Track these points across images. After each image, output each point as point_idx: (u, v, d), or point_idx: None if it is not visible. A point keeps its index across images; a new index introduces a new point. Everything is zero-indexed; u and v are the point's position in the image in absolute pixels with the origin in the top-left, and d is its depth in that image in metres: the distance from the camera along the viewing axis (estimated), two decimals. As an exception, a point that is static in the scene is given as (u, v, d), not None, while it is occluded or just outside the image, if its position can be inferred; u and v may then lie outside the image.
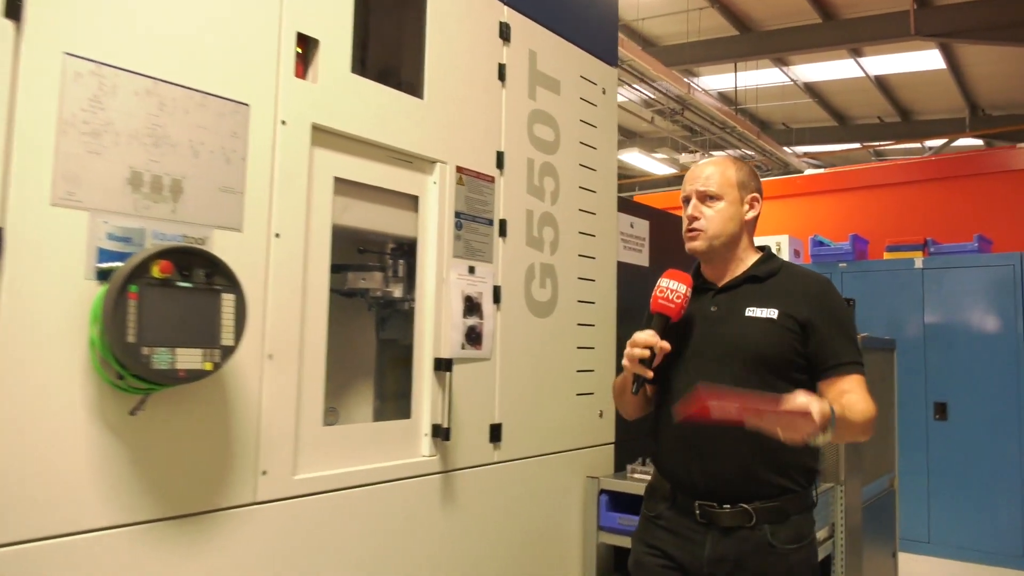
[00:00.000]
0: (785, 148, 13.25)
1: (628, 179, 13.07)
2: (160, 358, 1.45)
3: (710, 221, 1.81)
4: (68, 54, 1.45)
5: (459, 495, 2.27)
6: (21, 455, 1.38)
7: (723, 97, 11.96)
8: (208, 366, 1.52)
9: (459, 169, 2.32)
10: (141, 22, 1.57)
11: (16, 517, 1.36)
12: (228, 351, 1.56)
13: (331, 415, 2.01)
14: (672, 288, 1.74)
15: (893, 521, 3.19)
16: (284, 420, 1.82)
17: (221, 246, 1.68)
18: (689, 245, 1.86)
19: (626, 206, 3.25)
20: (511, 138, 2.53)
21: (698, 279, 1.88)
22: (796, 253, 5.34)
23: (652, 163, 12.67)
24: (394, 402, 2.25)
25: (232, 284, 1.58)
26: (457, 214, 2.31)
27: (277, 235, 1.81)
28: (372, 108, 2.06)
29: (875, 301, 4.77)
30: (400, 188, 2.17)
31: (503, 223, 2.48)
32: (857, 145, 13.27)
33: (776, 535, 1.71)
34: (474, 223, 2.37)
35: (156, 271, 1.45)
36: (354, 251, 2.17)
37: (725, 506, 1.72)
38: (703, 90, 11.27)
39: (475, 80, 2.39)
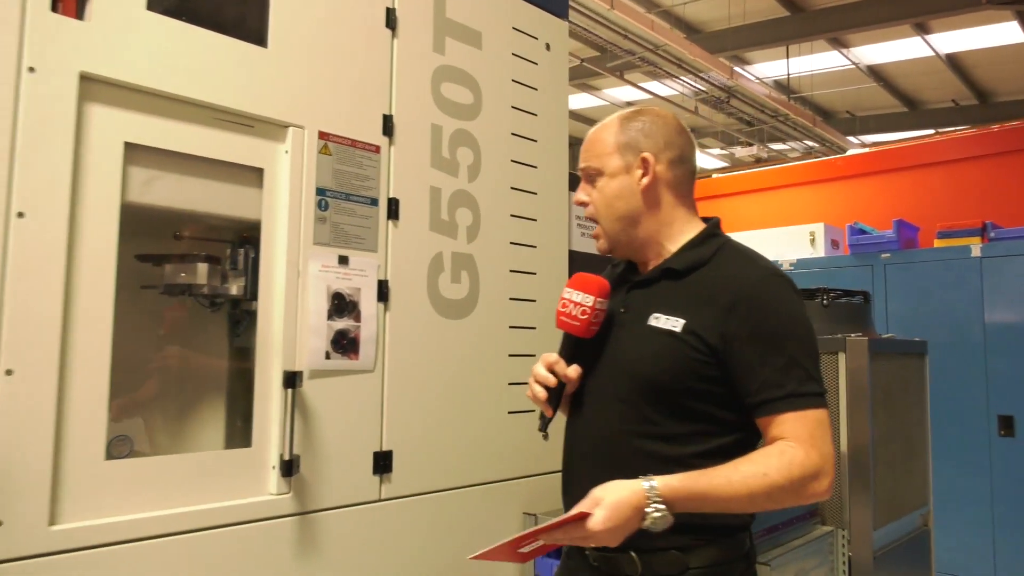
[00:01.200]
0: (850, 138, 12.30)
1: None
2: None
3: (598, 208, 1.38)
4: None
5: (325, 543, 1.81)
6: None
7: (778, 85, 11.15)
8: None
9: (323, 135, 1.87)
10: None
11: None
12: None
13: (120, 446, 1.58)
14: (575, 301, 1.32)
15: (928, 567, 2.56)
16: (31, 454, 1.40)
17: (-78, 227, 1.28)
18: (597, 246, 1.44)
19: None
20: (406, 99, 2.06)
21: (631, 267, 1.46)
22: (834, 244, 4.66)
23: (705, 159, 11.96)
24: (234, 427, 1.81)
25: None
26: (320, 191, 1.86)
27: (20, 215, 1.40)
28: (184, 56, 1.63)
29: (924, 297, 4.06)
30: (234, 158, 1.73)
31: (393, 203, 2.01)
32: (931, 132, 12.18)
33: None
34: (348, 202, 1.91)
35: None
36: (172, 238, 1.74)
37: (617, 551, 1.27)
38: (756, 79, 10.52)
39: (348, 27, 1.93)
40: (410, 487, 2.00)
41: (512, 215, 2.34)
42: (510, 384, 2.28)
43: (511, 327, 2.30)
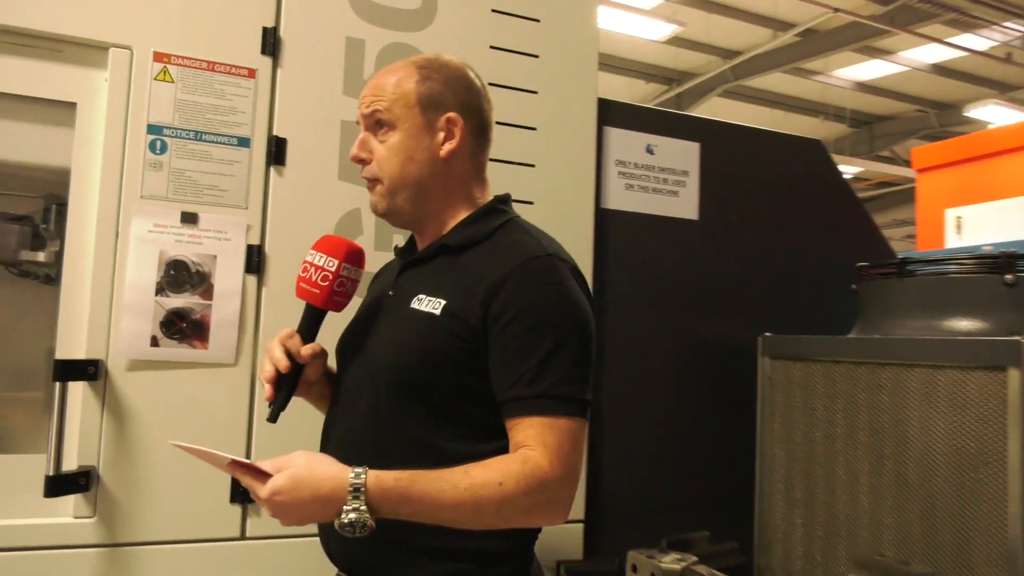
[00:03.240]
0: None
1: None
2: None
3: (381, 166, 1.11)
4: None
5: (147, 584, 1.39)
6: None
7: None
8: None
9: (160, 57, 1.44)
10: None
11: None
12: None
13: None
14: (317, 264, 1.11)
15: None
16: None
17: None
18: (371, 203, 1.15)
19: (636, 117, 1.93)
20: (302, 5, 1.55)
21: (411, 244, 1.23)
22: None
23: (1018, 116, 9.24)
24: (34, 427, 1.46)
25: None
26: (154, 128, 1.44)
27: None
28: (-49, -34, 1.33)
29: None
30: (37, 92, 1.39)
31: (277, 143, 1.52)
32: None
33: None
34: (199, 143, 1.47)
35: None
36: None
37: None
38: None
39: (207, -87, 1.48)
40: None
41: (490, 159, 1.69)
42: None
43: (482, 314, 1.65)
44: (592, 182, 1.80)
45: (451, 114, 1.10)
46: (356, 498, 0.92)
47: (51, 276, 1.46)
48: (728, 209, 1.99)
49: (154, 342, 1.42)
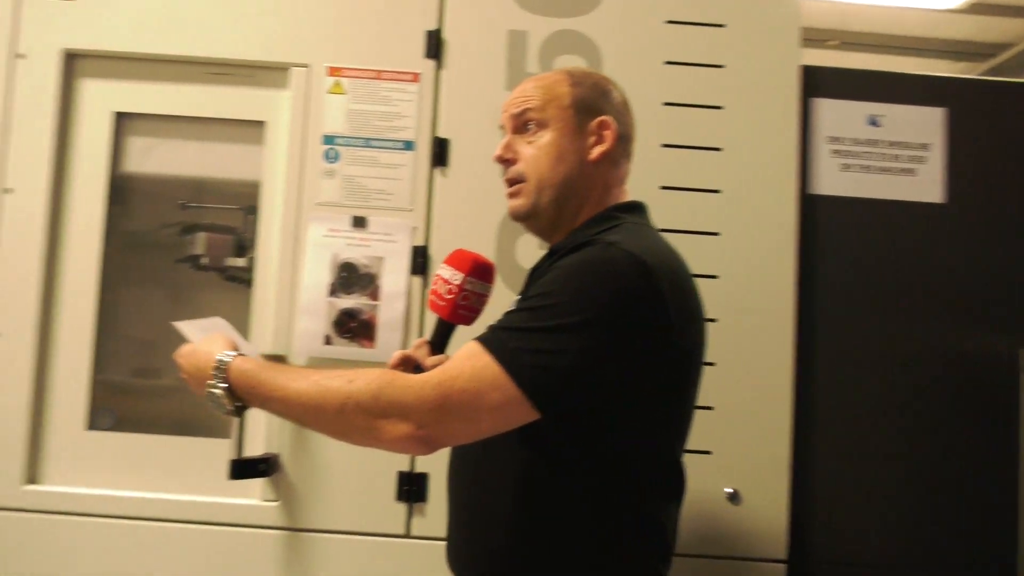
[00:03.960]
0: None
1: None
2: None
3: (529, 165, 1.08)
4: None
5: (319, 569, 1.46)
6: None
7: None
8: None
9: (334, 71, 1.53)
10: None
11: None
12: None
13: (104, 417, 1.54)
14: (445, 278, 1.13)
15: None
16: (14, 413, 1.48)
17: (-63, 207, 1.49)
18: (511, 205, 1.12)
19: (855, 83, 1.60)
20: (465, 3, 1.54)
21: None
22: None
23: None
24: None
25: None
26: (328, 139, 1.52)
27: (9, 190, 1.51)
28: (168, 13, 1.53)
29: None
30: (234, 114, 1.55)
31: (441, 145, 1.52)
32: None
33: None
34: (368, 150, 1.52)
35: None
36: (177, 207, 1.63)
37: None
38: None
39: (375, -70, 1.54)
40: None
41: (665, 144, 1.53)
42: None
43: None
44: (795, 164, 1.54)
45: (605, 118, 1.08)
46: (217, 375, 1.00)
47: (250, 280, 1.61)
48: (985, 189, 1.58)
49: (327, 341, 1.50)
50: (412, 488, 1.48)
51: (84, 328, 1.52)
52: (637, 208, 1.11)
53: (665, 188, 1.52)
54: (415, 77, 1.53)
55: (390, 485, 1.48)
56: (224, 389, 1.00)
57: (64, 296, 1.52)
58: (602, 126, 1.08)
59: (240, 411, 1.03)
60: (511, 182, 1.10)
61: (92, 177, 1.54)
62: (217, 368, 1.01)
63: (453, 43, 1.54)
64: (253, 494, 1.49)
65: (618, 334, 0.90)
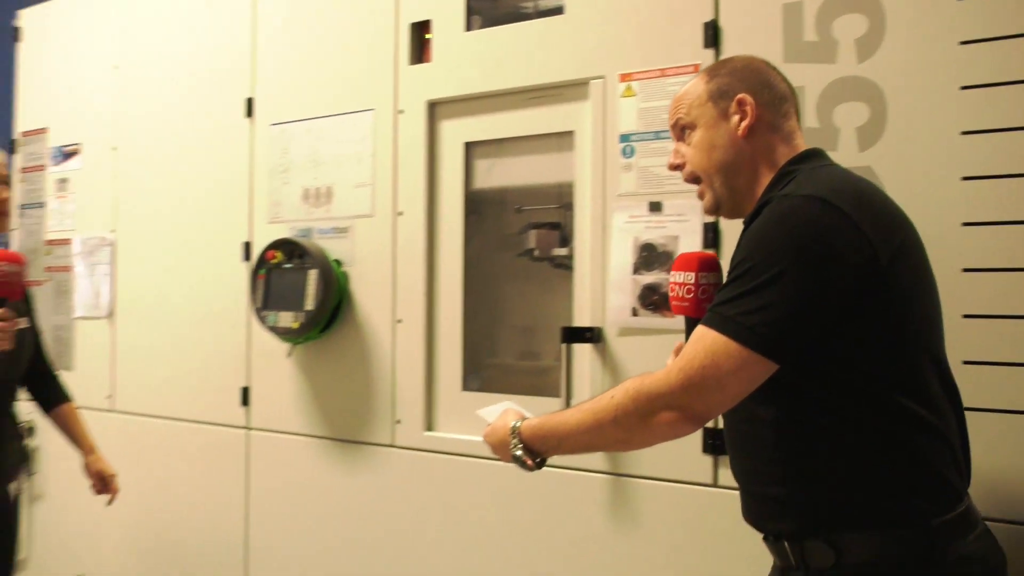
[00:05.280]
0: None
1: None
2: (271, 318, 2.07)
3: (694, 163, 1.24)
4: (271, 124, 2.26)
5: (643, 512, 1.69)
6: (261, 377, 2.26)
7: None
8: (295, 325, 2.02)
9: (624, 77, 1.74)
10: (303, 90, 2.20)
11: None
12: (309, 314, 2.00)
13: (473, 381, 1.95)
14: (679, 282, 1.28)
15: None
16: (414, 379, 2.00)
17: (360, 230, 2.09)
18: (703, 205, 1.29)
19: None
20: (738, -11, 1.63)
21: None
22: None
23: None
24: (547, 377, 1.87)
25: (315, 262, 2.01)
26: (624, 137, 1.74)
27: (401, 213, 2.03)
28: (496, 55, 1.90)
29: None
30: (550, 128, 1.86)
31: (723, 127, 1.64)
32: None
33: None
34: (658, 141, 1.70)
35: (269, 258, 2.08)
36: (513, 212, 1.98)
37: (774, 540, 1.17)
38: None
39: (652, -56, 1.71)
40: (762, 481, 1.57)
41: (962, 133, 1.42)
42: (969, 363, 1.40)
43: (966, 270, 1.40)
44: None
45: (740, 95, 1.19)
46: (514, 439, 1.22)
47: (571, 265, 1.91)
48: None
49: (633, 313, 1.72)
50: (717, 442, 1.62)
51: (455, 313, 1.97)
52: (811, 155, 1.19)
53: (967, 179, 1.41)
54: (695, 68, 1.67)
55: (696, 438, 1.64)
56: (523, 449, 1.21)
57: (441, 289, 2.00)
58: (740, 104, 1.19)
59: (541, 464, 1.23)
60: (690, 183, 1.26)
61: (453, 195, 1.99)
62: (512, 434, 1.23)
63: (729, 30, 1.64)
64: (583, 444, 1.78)
65: (819, 270, 0.99)
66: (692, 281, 1.25)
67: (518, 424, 1.23)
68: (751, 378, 1.03)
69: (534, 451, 1.21)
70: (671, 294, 1.29)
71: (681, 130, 1.26)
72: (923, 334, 1.08)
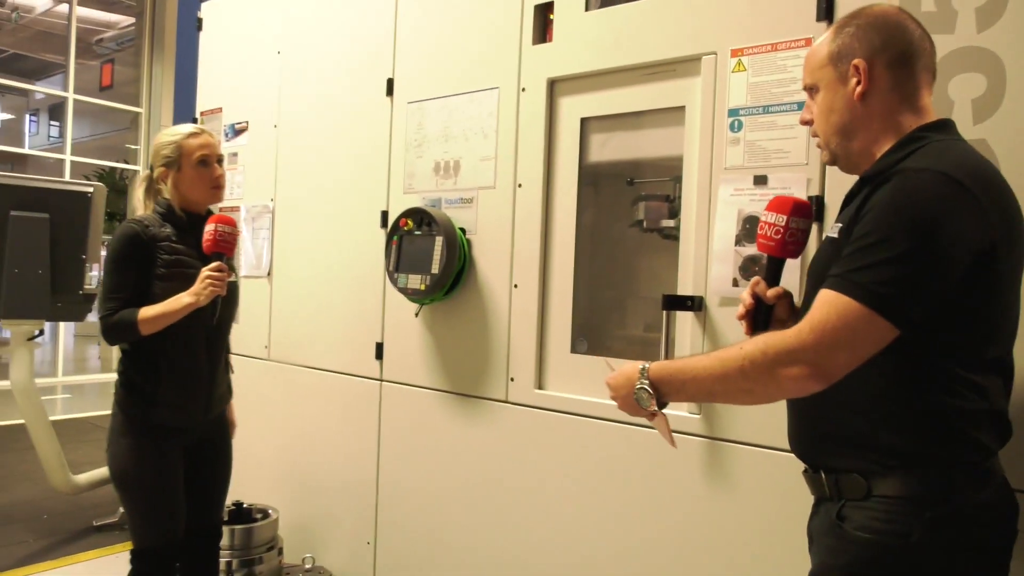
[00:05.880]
0: None
1: None
2: (401, 280, 2.28)
3: (817, 121, 1.31)
4: (408, 102, 2.47)
5: (735, 476, 1.75)
6: (393, 334, 2.50)
7: None
8: (422, 287, 2.22)
9: (736, 52, 1.78)
10: (437, 70, 2.38)
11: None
12: (435, 277, 2.19)
13: (580, 344, 2.06)
14: (770, 222, 1.34)
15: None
16: (527, 340, 2.15)
17: (483, 201, 2.25)
18: (822, 160, 1.39)
19: None
20: (855, -38, 1.62)
21: None
22: None
23: None
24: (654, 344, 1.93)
25: (441, 230, 2.19)
26: (732, 112, 1.78)
27: (520, 185, 2.17)
28: (613, 34, 1.99)
29: None
30: (662, 104, 1.93)
31: (832, 100, 1.64)
32: None
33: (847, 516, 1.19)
34: (766, 115, 1.73)
35: (402, 225, 2.29)
36: (625, 185, 2.05)
37: (813, 471, 1.28)
38: None
39: (770, -82, 1.72)
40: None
41: (1098, 55, 1.36)
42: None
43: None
44: None
45: (856, 60, 1.21)
46: (642, 377, 1.23)
47: (677, 236, 1.97)
48: None
49: (735, 283, 1.76)
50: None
51: (567, 280, 2.09)
52: (944, 126, 1.21)
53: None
54: (807, 42, 1.68)
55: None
56: (647, 385, 1.23)
57: (554, 257, 2.12)
58: (856, 69, 1.21)
59: (661, 406, 1.24)
60: (816, 136, 1.31)
61: (568, 169, 2.10)
62: (641, 371, 1.24)
63: (843, 1, 1.64)
64: (680, 406, 1.86)
65: (947, 249, 1.05)
66: (783, 223, 1.30)
67: (647, 365, 1.26)
68: (878, 342, 1.08)
69: (659, 392, 1.23)
70: (759, 232, 1.35)
71: (810, 90, 1.31)
72: (1009, 319, 1.16)
